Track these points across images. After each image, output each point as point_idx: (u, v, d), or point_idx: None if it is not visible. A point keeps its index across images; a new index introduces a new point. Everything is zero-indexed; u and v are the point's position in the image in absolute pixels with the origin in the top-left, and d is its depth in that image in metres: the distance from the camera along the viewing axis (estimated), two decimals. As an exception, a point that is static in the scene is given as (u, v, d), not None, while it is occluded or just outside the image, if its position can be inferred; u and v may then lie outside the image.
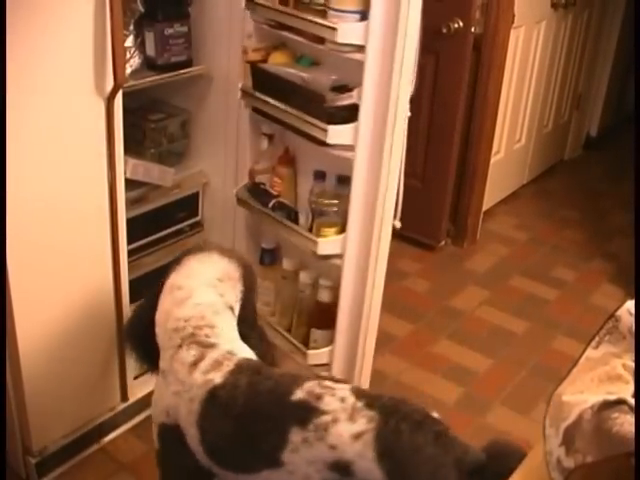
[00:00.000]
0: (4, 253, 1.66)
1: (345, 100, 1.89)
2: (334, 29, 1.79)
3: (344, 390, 1.39)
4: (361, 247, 2.03)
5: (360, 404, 1.35)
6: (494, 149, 3.47)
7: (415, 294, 2.27)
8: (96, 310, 1.97)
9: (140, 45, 2.07)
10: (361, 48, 1.82)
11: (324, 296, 2.17)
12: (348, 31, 1.79)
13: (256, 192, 2.21)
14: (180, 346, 1.50)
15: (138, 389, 2.15)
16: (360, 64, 1.83)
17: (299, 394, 1.39)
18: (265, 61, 2.13)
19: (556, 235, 3.68)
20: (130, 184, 2.02)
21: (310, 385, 1.41)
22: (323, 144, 1.94)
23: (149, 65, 2.09)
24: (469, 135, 3.28)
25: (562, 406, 1.10)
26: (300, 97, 1.96)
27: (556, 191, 4.18)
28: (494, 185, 3.59)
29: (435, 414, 1.37)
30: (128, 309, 2.03)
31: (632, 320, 1.18)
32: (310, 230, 2.08)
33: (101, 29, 1.70)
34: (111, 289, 1.98)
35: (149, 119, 2.25)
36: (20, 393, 1.86)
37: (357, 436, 1.32)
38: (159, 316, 1.60)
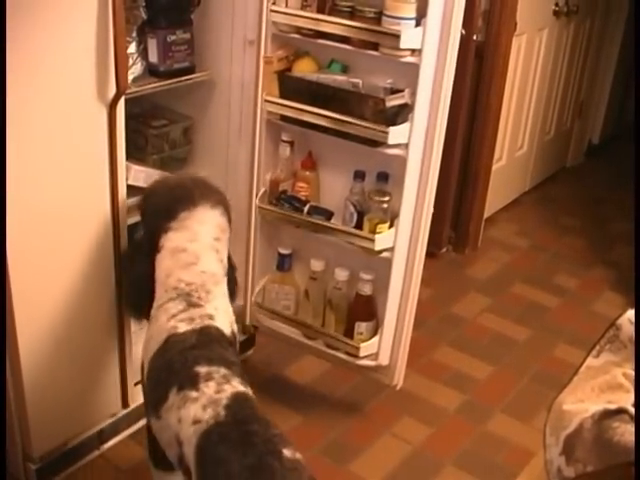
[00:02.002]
0: (4, 259, 1.66)
1: (398, 100, 1.97)
2: (397, 36, 1.88)
3: (233, 388, 1.40)
4: (410, 239, 2.15)
5: (225, 402, 1.37)
6: (496, 156, 3.47)
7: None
8: (98, 317, 1.97)
9: (143, 52, 2.07)
10: (415, 52, 1.93)
11: (366, 289, 2.24)
12: (408, 37, 1.89)
13: (286, 200, 2.24)
14: (173, 299, 1.60)
15: (139, 395, 2.13)
16: (406, 66, 1.95)
17: (203, 369, 1.44)
18: (289, 69, 2.15)
19: (557, 242, 3.68)
20: (132, 190, 2.02)
21: (218, 369, 1.44)
22: (375, 144, 2.02)
23: (151, 71, 2.10)
24: (471, 142, 3.28)
25: (563, 415, 1.10)
26: (351, 102, 2.01)
27: (558, 198, 4.18)
28: (496, 192, 3.59)
29: (288, 452, 1.28)
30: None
31: (633, 329, 1.18)
32: (357, 228, 2.15)
33: (104, 35, 1.71)
34: (113, 295, 1.98)
35: (151, 125, 2.25)
36: (21, 399, 1.86)
37: (196, 422, 1.35)
38: (159, 274, 1.68)
